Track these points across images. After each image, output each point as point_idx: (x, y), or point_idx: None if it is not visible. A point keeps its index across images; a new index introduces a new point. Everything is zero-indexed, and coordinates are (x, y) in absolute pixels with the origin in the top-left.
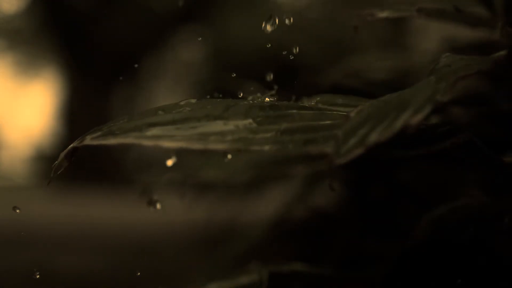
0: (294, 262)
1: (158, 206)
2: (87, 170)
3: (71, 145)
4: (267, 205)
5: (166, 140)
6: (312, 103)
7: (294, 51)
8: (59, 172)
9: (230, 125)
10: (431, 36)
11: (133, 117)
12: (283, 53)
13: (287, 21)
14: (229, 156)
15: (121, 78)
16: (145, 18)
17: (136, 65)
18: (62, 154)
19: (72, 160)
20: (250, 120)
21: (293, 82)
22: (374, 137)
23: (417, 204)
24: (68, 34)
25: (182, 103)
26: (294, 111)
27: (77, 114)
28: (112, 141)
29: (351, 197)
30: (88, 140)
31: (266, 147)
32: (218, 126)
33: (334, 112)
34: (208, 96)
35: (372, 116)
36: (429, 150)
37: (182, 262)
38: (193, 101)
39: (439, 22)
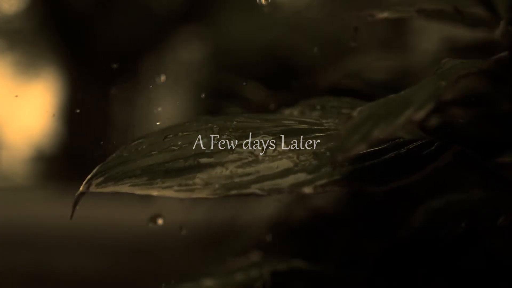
0: (295, 260)
1: (160, 221)
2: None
3: (79, 191)
4: (267, 205)
5: (155, 190)
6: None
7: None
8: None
9: (216, 169)
10: (431, 36)
11: (129, 152)
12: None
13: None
14: None
15: (121, 78)
16: (145, 18)
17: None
18: (75, 199)
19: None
20: (237, 161)
21: (292, 83)
22: (377, 133)
23: (417, 205)
24: (68, 34)
25: (169, 134)
26: (277, 151)
27: (77, 114)
28: (110, 189)
29: (351, 197)
30: (94, 187)
31: (248, 190)
32: (203, 173)
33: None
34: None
35: (374, 114)
36: (423, 174)
37: (181, 263)
38: (181, 134)
39: (439, 22)
